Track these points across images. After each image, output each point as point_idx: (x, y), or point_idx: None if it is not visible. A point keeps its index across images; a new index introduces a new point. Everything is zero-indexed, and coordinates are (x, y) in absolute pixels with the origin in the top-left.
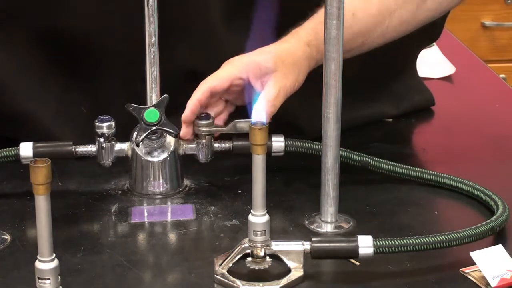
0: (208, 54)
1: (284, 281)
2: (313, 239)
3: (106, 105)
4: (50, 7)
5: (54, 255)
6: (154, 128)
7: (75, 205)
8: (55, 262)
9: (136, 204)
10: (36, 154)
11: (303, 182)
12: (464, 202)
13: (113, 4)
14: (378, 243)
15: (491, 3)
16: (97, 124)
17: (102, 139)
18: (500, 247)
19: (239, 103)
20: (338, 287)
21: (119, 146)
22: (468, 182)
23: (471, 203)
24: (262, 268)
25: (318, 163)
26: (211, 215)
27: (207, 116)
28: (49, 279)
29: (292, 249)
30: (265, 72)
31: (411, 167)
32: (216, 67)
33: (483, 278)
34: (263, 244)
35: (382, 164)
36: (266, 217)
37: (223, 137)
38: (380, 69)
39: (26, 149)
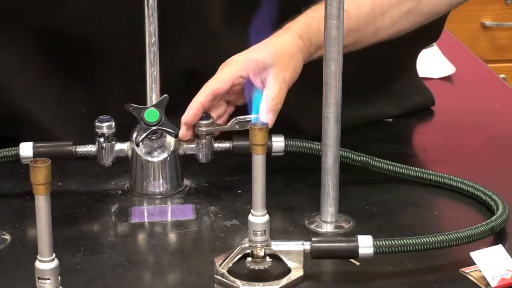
0: (208, 54)
1: (284, 281)
2: (313, 239)
3: (106, 105)
4: (50, 7)
5: (54, 255)
6: (154, 128)
7: (75, 205)
8: (55, 262)
9: (136, 204)
10: (36, 154)
11: (303, 182)
12: (464, 202)
13: (113, 4)
14: (378, 243)
15: (491, 3)
16: (97, 124)
17: (102, 139)
18: (500, 247)
19: (240, 103)
20: (338, 287)
21: (119, 146)
22: (468, 182)
23: (471, 203)
24: (262, 268)
25: (318, 163)
26: (211, 215)
27: (207, 116)
28: (49, 279)
29: (292, 249)
30: (263, 67)
31: (411, 167)
32: (216, 67)
33: (483, 278)
34: (263, 244)
35: (382, 164)
36: (266, 217)
37: (223, 137)
38: (380, 69)
39: (26, 149)
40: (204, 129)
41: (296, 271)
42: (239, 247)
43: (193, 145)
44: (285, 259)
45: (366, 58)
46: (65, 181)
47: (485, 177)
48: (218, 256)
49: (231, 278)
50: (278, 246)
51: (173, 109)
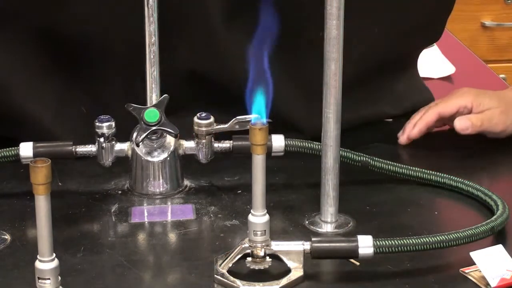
0: (208, 54)
1: (284, 281)
2: (313, 239)
3: (106, 105)
4: (50, 7)
5: (54, 255)
6: (154, 128)
7: (75, 205)
8: (55, 262)
9: (136, 204)
10: (36, 154)
11: (303, 182)
12: (464, 202)
13: (113, 4)
14: (378, 243)
15: (491, 3)
16: (97, 124)
17: (102, 139)
18: (500, 247)
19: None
20: (338, 287)
21: (119, 146)
22: (468, 182)
23: (471, 203)
24: (262, 268)
25: (318, 163)
26: (211, 215)
27: (207, 116)
28: (49, 279)
29: (292, 249)
30: (487, 108)
31: (411, 167)
32: (216, 67)
33: (483, 278)
34: (263, 244)
35: (382, 164)
36: (266, 217)
37: (223, 137)
38: (380, 69)
39: (26, 149)
40: (204, 129)
41: (296, 271)
42: (239, 247)
43: (193, 145)
44: (285, 259)
45: (366, 58)
46: (65, 181)
47: (485, 177)
48: (218, 256)
49: (231, 278)
50: (278, 246)
51: (173, 109)
